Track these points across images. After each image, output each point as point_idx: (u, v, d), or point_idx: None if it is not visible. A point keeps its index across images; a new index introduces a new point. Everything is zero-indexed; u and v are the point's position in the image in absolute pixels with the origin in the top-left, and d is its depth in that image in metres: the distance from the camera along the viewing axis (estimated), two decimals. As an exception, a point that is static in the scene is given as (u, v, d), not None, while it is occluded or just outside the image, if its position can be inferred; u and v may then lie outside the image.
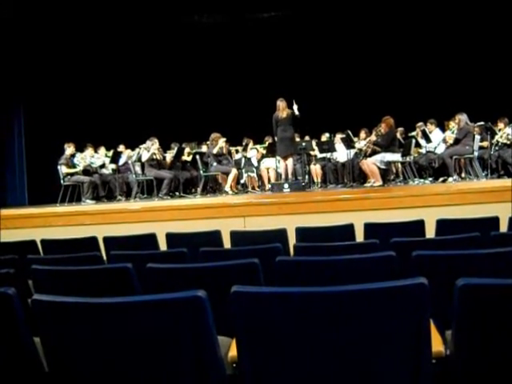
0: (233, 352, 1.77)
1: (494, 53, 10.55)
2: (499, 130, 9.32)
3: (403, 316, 1.55)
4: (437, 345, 1.81)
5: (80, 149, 10.08)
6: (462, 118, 8.45)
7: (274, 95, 8.73)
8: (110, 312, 1.62)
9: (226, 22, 11.90)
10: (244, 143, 10.74)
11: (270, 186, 9.46)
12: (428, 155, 9.47)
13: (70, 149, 9.73)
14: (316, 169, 10.60)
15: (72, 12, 10.02)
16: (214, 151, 9.52)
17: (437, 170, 9.33)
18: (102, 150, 10.59)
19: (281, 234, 4.14)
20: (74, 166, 9.74)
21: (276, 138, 8.90)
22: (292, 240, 4.08)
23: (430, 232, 4.13)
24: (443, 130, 9.63)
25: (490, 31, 10.48)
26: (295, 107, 8.54)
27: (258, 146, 10.81)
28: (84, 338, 1.67)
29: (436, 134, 9.59)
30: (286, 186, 8.36)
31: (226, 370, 1.75)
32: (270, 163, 10.04)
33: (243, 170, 10.53)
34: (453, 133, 8.82)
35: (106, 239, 4.40)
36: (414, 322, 1.54)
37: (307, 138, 10.76)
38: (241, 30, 11.98)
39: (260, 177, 10.68)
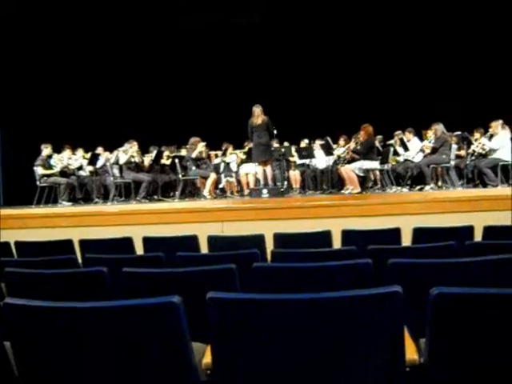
0: (207, 359, 1.76)
1: (472, 65, 10.73)
2: (475, 140, 9.47)
3: (378, 323, 1.55)
4: (411, 352, 1.82)
5: (57, 150, 9.94)
6: (438, 127, 8.60)
7: (254, 100, 8.73)
8: (83, 317, 1.60)
9: (207, 26, 11.89)
10: (223, 148, 10.72)
11: (248, 191, 9.45)
12: (405, 163, 9.57)
13: (46, 150, 9.59)
14: (295, 175, 10.64)
15: (51, 10, 9.93)
16: (193, 155, 9.47)
17: (414, 178, 9.43)
18: (80, 152, 10.46)
19: (259, 240, 4.13)
20: (50, 167, 9.60)
21: (252, 144, 8.92)
22: (270, 245, 4.08)
23: (407, 239, 4.17)
24: (421, 138, 9.75)
25: (468, 44, 10.66)
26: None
27: (237, 151, 10.81)
28: (56, 342, 1.65)
29: (414, 142, 9.70)
30: (265, 191, 8.37)
31: (200, 377, 1.74)
32: (249, 168, 10.03)
33: (222, 175, 10.52)
34: (430, 142, 8.94)
35: (81, 242, 4.35)
36: (389, 329, 1.55)
37: (286, 143, 10.79)
38: (221, 35, 11.98)
39: (239, 182, 10.67)
